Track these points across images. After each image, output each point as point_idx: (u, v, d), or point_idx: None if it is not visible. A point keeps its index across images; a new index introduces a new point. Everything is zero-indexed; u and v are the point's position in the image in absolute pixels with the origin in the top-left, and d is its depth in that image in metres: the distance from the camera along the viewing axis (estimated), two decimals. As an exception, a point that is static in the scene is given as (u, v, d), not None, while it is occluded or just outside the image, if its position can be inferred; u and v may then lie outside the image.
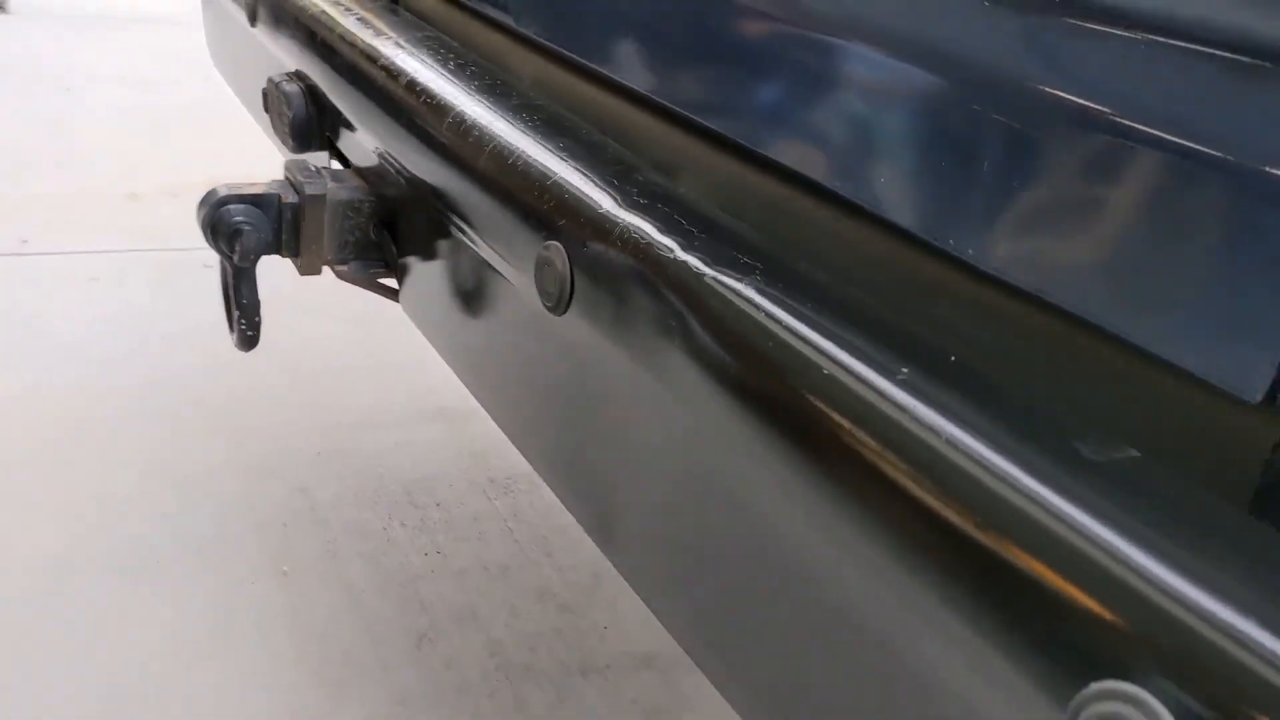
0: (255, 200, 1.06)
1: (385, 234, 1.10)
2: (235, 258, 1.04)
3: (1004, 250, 0.53)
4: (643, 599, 0.73)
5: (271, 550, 1.72)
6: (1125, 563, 0.42)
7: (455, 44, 1.06)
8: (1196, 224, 0.45)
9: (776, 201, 0.69)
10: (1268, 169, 0.42)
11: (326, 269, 1.12)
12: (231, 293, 1.08)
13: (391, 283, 1.11)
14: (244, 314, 1.09)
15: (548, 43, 0.94)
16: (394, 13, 1.19)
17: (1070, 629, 0.43)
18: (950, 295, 0.57)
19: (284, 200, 1.07)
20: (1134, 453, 0.47)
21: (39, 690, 1.41)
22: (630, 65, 0.84)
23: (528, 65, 0.99)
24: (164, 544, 1.70)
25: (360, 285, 1.12)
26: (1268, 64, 0.42)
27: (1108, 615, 0.42)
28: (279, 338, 2.27)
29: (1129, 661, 0.41)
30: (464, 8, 1.11)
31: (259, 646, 1.53)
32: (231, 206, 1.05)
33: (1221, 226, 0.44)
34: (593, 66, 0.88)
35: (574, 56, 0.91)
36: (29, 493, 1.77)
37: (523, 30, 0.99)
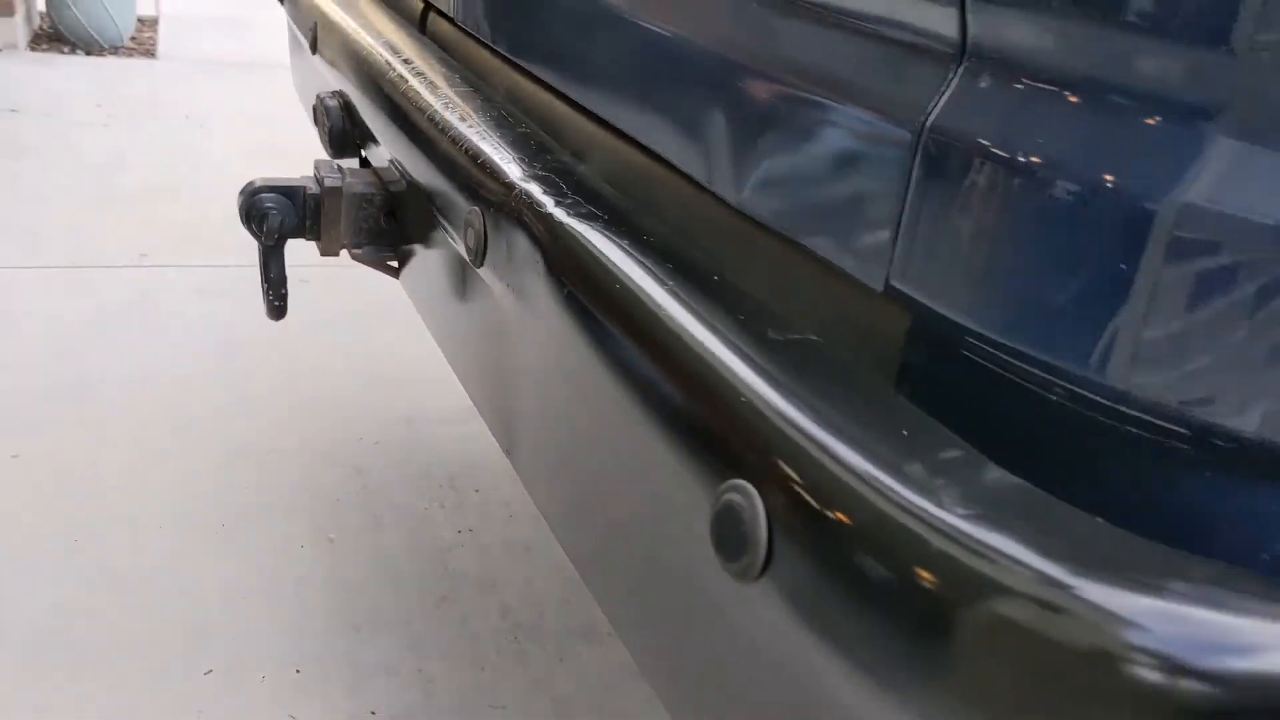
0: (284, 190, 1.27)
1: (393, 223, 1.29)
2: (263, 237, 1.25)
3: (748, 191, 0.69)
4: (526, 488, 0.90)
5: (322, 521, 1.93)
6: (762, 405, 0.57)
7: (453, 61, 1.26)
8: (827, 147, 0.60)
9: (638, 171, 0.86)
10: (858, 101, 0.57)
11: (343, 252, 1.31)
12: (262, 269, 1.29)
13: (396, 264, 1.31)
14: (272, 287, 1.29)
15: (512, 57, 1.13)
16: (417, 39, 1.40)
17: (725, 447, 0.58)
18: (723, 230, 0.73)
19: (308, 191, 1.27)
20: (811, 336, 0.62)
21: (124, 617, 1.64)
22: (561, 74, 1.02)
23: (501, 76, 1.18)
24: (233, 511, 1.93)
25: (371, 266, 1.31)
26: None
27: (743, 440, 0.57)
28: (353, 344, 2.51)
29: (751, 469, 0.56)
30: (466, 32, 1.31)
31: (300, 595, 1.73)
32: (264, 195, 1.26)
33: (842, 146, 0.59)
34: (539, 75, 1.06)
35: (525, 66, 1.09)
36: (130, 462, 2.03)
37: (498, 49, 1.18)
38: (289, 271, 2.53)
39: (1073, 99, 0.53)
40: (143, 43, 5.33)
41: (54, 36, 5.11)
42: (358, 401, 2.33)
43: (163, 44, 5.41)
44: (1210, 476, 0.53)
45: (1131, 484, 0.54)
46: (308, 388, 2.35)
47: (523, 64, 1.10)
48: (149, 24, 5.65)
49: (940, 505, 0.49)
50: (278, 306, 1.31)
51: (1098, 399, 0.53)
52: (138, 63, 5.06)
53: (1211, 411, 0.51)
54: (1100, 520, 0.50)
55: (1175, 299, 0.50)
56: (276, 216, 1.24)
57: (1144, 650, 0.43)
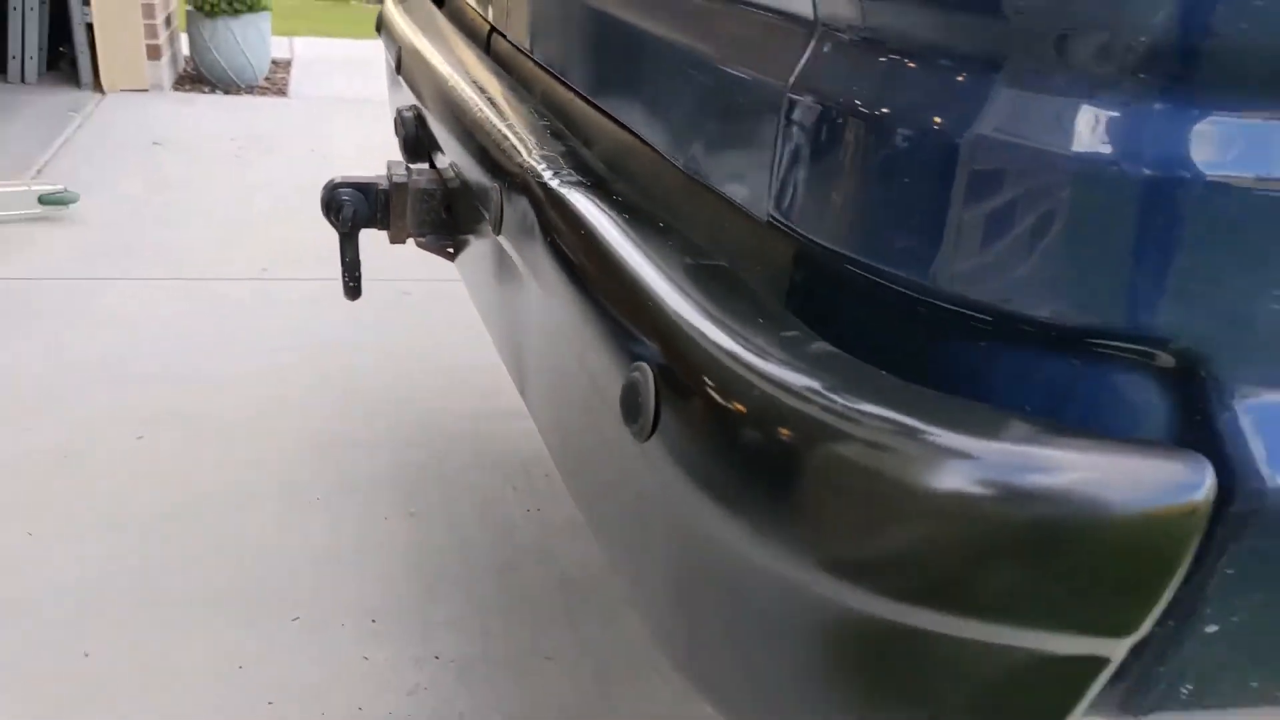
0: (360, 186, 1.47)
1: (451, 215, 1.48)
2: (339, 225, 1.45)
3: (683, 151, 0.84)
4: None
5: (404, 498, 2.13)
6: (659, 307, 0.72)
7: (503, 73, 1.44)
8: (731, 109, 0.75)
9: (623, 147, 1.02)
10: (750, 69, 0.72)
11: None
12: (340, 254, 1.49)
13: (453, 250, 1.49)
14: (347, 270, 1.49)
15: (548, 67, 1.31)
16: (478, 56, 1.59)
17: (634, 338, 0.73)
18: (671, 187, 0.88)
19: (379, 187, 1.47)
20: (720, 262, 0.77)
21: (227, 573, 1.86)
22: (576, 76, 1.19)
23: (540, 83, 1.36)
24: (327, 487, 2.14)
25: (432, 252, 1.50)
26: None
27: (644, 332, 0.72)
28: (444, 348, 2.72)
29: (648, 353, 0.71)
30: (516, 48, 1.49)
31: (380, 559, 1.93)
32: (341, 189, 1.46)
33: (740, 108, 0.74)
34: (563, 79, 1.23)
35: (556, 74, 1.27)
36: (239, 444, 2.26)
37: (536, 59, 1.36)
38: (395, 285, 2.77)
39: (901, 61, 0.67)
40: (276, 82, 5.74)
41: (195, 78, 5.55)
42: (441, 396, 2.54)
43: (294, 84, 5.81)
44: (1014, 352, 0.66)
45: (950, 359, 0.67)
46: (396, 383, 2.57)
47: (551, 69, 1.27)
48: (283, 65, 6.07)
49: (778, 370, 0.63)
50: (352, 287, 1.51)
51: (928, 299, 0.66)
52: (270, 101, 5.45)
53: (1016, 303, 0.64)
54: (920, 386, 0.64)
55: (982, 215, 0.63)
56: (350, 207, 1.44)
57: (968, 477, 0.56)
